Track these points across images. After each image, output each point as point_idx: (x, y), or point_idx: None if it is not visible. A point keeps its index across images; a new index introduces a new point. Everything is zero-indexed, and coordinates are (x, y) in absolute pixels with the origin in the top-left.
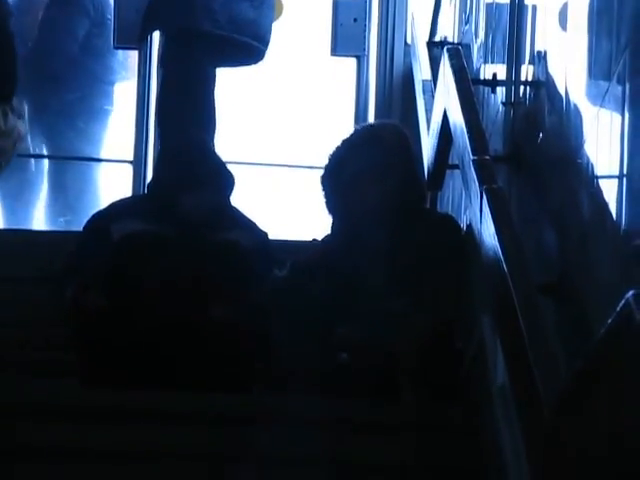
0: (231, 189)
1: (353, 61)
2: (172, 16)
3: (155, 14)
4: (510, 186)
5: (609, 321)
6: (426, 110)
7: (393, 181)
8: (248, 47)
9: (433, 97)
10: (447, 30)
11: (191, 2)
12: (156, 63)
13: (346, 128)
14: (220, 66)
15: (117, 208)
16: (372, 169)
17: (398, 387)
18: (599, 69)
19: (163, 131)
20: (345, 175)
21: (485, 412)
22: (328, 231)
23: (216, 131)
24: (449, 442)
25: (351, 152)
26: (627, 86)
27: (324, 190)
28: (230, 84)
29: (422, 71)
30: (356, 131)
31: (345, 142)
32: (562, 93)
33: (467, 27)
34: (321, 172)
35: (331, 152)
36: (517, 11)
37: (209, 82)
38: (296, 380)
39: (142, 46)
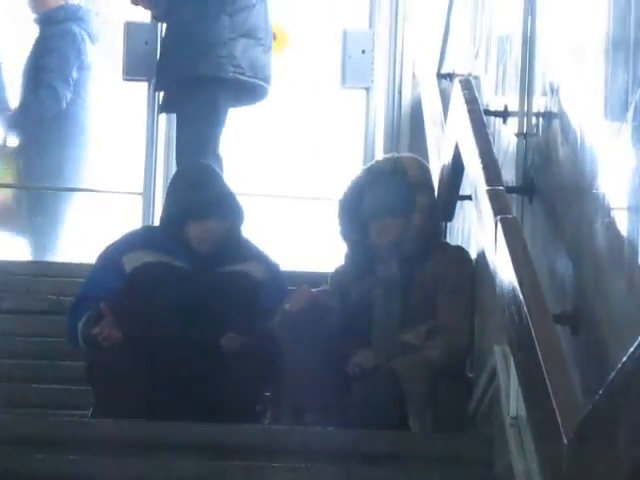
0: (241, 220)
1: (362, 93)
2: (196, 65)
3: (176, 64)
4: (523, 217)
5: (632, 349)
6: (436, 141)
7: (418, 217)
8: (261, 89)
9: (443, 128)
10: (456, 61)
11: (215, 52)
12: (163, 104)
13: (355, 159)
14: (232, 106)
15: (129, 239)
16: (396, 202)
17: (408, 417)
18: (615, 100)
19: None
20: (366, 204)
21: (498, 443)
22: (342, 259)
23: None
24: (463, 474)
25: (373, 181)
26: None
27: (340, 217)
28: (241, 115)
29: (431, 102)
30: (378, 161)
31: (367, 171)
32: (576, 124)
33: (477, 58)
34: (340, 197)
35: (351, 180)
36: (529, 41)
37: (224, 122)
38: (308, 411)
39: (151, 78)
